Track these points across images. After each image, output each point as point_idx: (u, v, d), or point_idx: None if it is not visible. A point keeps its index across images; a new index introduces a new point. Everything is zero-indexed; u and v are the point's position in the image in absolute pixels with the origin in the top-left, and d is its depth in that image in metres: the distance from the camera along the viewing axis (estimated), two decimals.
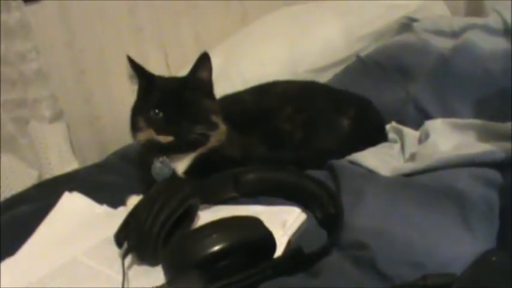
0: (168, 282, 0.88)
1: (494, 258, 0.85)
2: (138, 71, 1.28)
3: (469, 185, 1.03)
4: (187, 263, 0.86)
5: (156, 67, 1.34)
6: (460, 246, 0.91)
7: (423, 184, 1.09)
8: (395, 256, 0.91)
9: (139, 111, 1.27)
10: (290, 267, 0.91)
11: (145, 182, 1.28)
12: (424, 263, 0.89)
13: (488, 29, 1.54)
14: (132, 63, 1.28)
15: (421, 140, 1.31)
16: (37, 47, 1.76)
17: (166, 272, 0.89)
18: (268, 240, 0.91)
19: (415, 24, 1.77)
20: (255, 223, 0.92)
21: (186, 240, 0.89)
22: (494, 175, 1.04)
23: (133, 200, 1.14)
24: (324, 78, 1.78)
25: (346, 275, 0.90)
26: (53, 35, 1.89)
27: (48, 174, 1.71)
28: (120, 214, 1.08)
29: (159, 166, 1.26)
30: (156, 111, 1.23)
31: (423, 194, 1.05)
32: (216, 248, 0.86)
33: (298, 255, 0.91)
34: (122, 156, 1.56)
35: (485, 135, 1.20)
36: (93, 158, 1.69)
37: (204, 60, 1.28)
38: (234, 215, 0.95)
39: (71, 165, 1.75)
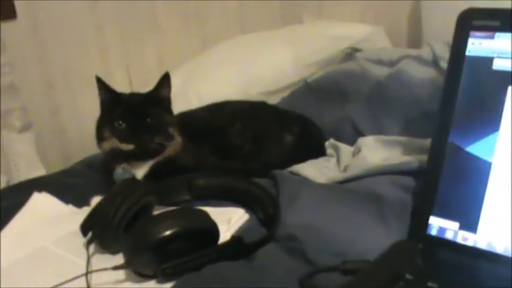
0: (126, 262, 1.00)
1: (403, 247, 1.00)
2: (105, 88, 1.40)
3: (387, 189, 1.16)
4: (143, 245, 0.98)
5: (120, 85, 1.46)
6: (376, 238, 1.03)
7: (349, 189, 1.23)
8: (321, 246, 1.04)
9: (104, 122, 1.39)
10: (232, 254, 1.03)
11: (108, 186, 1.36)
12: (345, 252, 1.00)
13: (420, 60, 1.67)
14: (100, 81, 1.40)
15: (354, 154, 1.44)
16: (11, 62, 1.85)
17: (125, 253, 1.02)
18: (213, 229, 1.03)
19: (358, 54, 1.91)
20: (202, 214, 1.05)
21: (142, 225, 1.02)
22: (410, 181, 1.17)
23: (97, 200, 1.21)
24: (273, 100, 1.90)
25: (279, 261, 1.03)
26: (25, 51, 1.97)
27: (16, 181, 1.78)
28: (84, 212, 1.17)
29: (120, 172, 1.38)
30: (120, 122, 1.35)
31: (348, 196, 1.19)
32: (168, 232, 0.98)
33: (239, 244, 1.04)
34: (87, 164, 1.65)
35: (408, 150, 1.33)
36: (59, 167, 1.76)
37: (165, 79, 1.42)
38: (185, 207, 1.10)
39: (39, 172, 1.82)
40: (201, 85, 1.97)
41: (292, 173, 1.40)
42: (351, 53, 1.98)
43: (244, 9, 2.49)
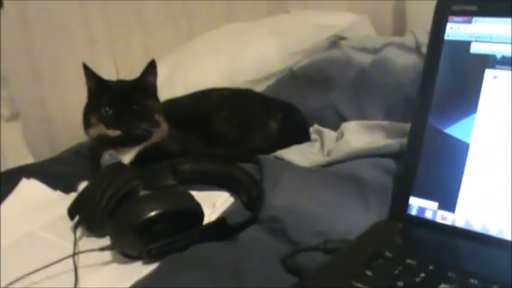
0: (113, 244, 1.02)
1: (383, 227, 1.03)
2: (92, 75, 1.42)
3: (368, 171, 1.19)
4: (128, 227, 1.00)
5: (107, 76, 1.48)
6: (358, 219, 1.06)
7: (331, 171, 1.25)
8: (303, 227, 1.06)
9: (91, 109, 1.42)
10: (216, 234, 1.04)
11: (95, 172, 1.41)
12: (327, 232, 1.03)
13: (403, 47, 1.70)
14: (86, 69, 1.42)
15: (337, 139, 1.46)
16: (1, 51, 1.85)
17: (111, 235, 1.03)
18: (197, 210, 1.05)
19: (342, 42, 1.94)
20: (187, 196, 1.07)
21: (127, 208, 1.04)
22: (390, 163, 1.20)
23: (84, 186, 1.23)
24: (259, 88, 1.92)
25: (262, 241, 1.05)
26: (13, 42, 1.99)
27: (4, 168, 1.76)
28: (71, 198, 1.19)
29: (107, 158, 1.40)
30: (107, 108, 1.38)
31: (330, 178, 1.21)
32: (152, 213, 0.99)
33: (223, 225, 1.06)
34: (74, 152, 1.67)
35: (390, 134, 1.35)
36: (46, 157, 1.75)
37: (151, 67, 1.44)
38: (169, 189, 1.12)
39: (26, 161, 1.81)
40: (187, 74, 2.00)
41: (276, 158, 1.42)
42: (336, 41, 2.00)
43: (231, 2, 2.51)
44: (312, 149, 1.48)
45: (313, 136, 1.57)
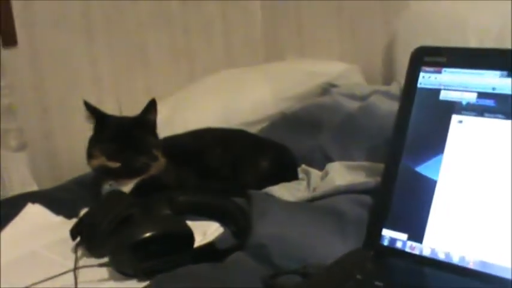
0: (111, 262, 1.11)
1: (357, 254, 1.12)
2: (94, 112, 1.52)
3: (346, 205, 1.28)
4: (124, 246, 1.09)
5: (111, 112, 1.58)
6: (335, 247, 1.14)
7: (313, 205, 1.35)
8: (285, 253, 1.14)
9: (95, 142, 1.51)
10: (205, 257, 1.14)
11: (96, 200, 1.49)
12: (307, 258, 1.11)
13: (388, 94, 1.82)
14: (88, 106, 1.52)
15: (322, 178, 1.55)
16: (11, 85, 1.97)
17: (109, 254, 1.12)
18: (188, 234, 1.15)
19: (333, 89, 2.05)
20: (179, 221, 1.17)
21: (124, 229, 1.14)
22: (366, 198, 1.30)
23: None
24: (253, 130, 2.00)
25: (246, 264, 1.13)
26: (23, 77, 2.11)
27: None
28: (73, 222, 1.28)
29: (108, 188, 1.49)
30: (109, 142, 1.48)
31: (312, 211, 1.31)
32: (147, 235, 1.09)
33: (212, 248, 1.16)
34: (77, 182, 1.76)
35: (370, 173, 1.45)
36: (50, 187, 1.83)
37: (152, 105, 1.54)
38: (163, 214, 1.22)
39: (31, 189, 1.88)
40: (186, 114, 2.10)
41: (266, 193, 1.50)
42: (327, 88, 2.12)
43: (230, 47, 2.62)
44: (299, 186, 1.57)
45: (301, 175, 1.66)
